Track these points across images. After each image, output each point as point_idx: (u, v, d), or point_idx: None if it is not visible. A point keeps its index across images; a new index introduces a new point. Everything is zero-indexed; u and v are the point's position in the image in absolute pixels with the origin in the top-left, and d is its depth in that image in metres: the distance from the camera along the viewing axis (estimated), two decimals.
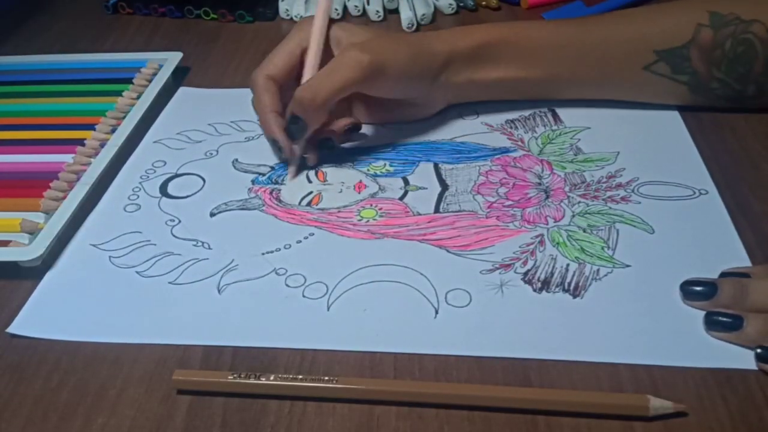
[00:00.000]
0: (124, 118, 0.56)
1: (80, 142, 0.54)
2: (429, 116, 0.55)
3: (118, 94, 0.59)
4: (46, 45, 0.71)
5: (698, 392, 0.35)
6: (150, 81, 0.61)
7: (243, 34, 0.71)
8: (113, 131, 0.55)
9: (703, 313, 0.38)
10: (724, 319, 0.37)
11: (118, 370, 0.38)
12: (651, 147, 0.51)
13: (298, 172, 0.51)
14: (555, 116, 0.55)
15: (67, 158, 0.52)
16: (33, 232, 0.46)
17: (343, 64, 0.47)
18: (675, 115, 0.53)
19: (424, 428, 0.34)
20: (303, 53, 0.51)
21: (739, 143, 0.51)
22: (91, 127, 0.55)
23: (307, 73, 0.51)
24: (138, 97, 0.58)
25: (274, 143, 0.51)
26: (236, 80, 0.63)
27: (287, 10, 0.73)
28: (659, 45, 0.50)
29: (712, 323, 0.37)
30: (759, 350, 0.35)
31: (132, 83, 0.60)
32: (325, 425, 0.35)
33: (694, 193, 0.46)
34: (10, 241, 0.45)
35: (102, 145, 0.53)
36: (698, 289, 0.39)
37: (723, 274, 0.40)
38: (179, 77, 0.63)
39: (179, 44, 0.68)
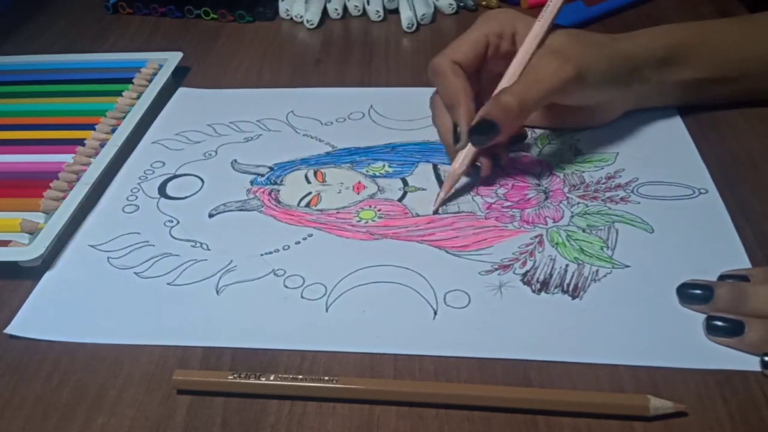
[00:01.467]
0: (124, 118, 0.56)
1: (80, 142, 0.53)
2: (605, 123, 0.52)
3: (118, 94, 0.59)
4: (46, 45, 0.70)
5: (698, 392, 0.35)
6: (150, 81, 0.60)
7: (243, 34, 0.71)
8: (113, 131, 0.54)
9: (703, 314, 0.38)
10: (725, 324, 0.36)
11: (118, 370, 0.38)
12: (650, 147, 0.50)
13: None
14: None
15: (67, 158, 0.52)
16: (33, 232, 0.45)
17: (548, 73, 0.45)
18: (674, 115, 0.53)
19: (424, 428, 0.34)
20: (488, 45, 0.48)
21: (739, 143, 0.50)
22: (91, 127, 0.55)
23: (511, 74, 0.47)
24: (138, 97, 0.58)
25: (454, 131, 0.46)
26: (236, 80, 0.63)
27: (287, 10, 0.73)
28: None
29: (712, 328, 0.37)
30: (766, 357, 0.35)
31: (132, 83, 0.60)
32: (325, 425, 0.34)
33: (694, 192, 0.46)
34: (10, 241, 0.45)
35: (102, 145, 0.53)
36: (695, 292, 0.38)
37: (722, 277, 0.39)
38: (179, 77, 0.63)
39: (179, 44, 0.68)
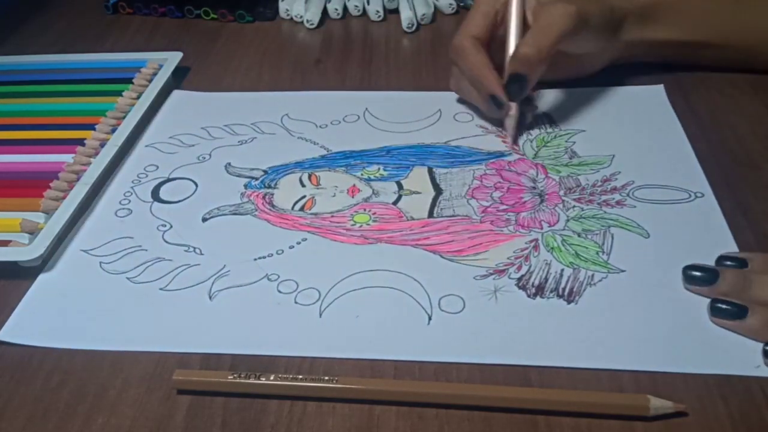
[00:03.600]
0: (124, 118, 0.56)
1: (80, 142, 0.53)
2: (590, 74, 0.56)
3: (118, 94, 0.59)
4: (46, 45, 0.70)
5: (698, 392, 0.34)
6: (150, 81, 0.60)
7: (243, 34, 0.71)
8: (113, 131, 0.54)
9: (699, 317, 0.38)
10: (729, 307, 0.37)
11: (118, 369, 0.38)
12: (647, 149, 0.50)
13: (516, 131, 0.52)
14: (550, 119, 0.54)
15: (67, 158, 0.51)
16: (33, 232, 0.45)
17: (556, 18, 0.49)
18: (672, 117, 0.53)
19: (424, 428, 0.34)
20: (497, 13, 0.52)
21: (739, 143, 0.50)
22: (91, 127, 0.55)
23: (513, 35, 0.51)
24: (138, 97, 0.58)
25: (493, 101, 0.51)
26: (236, 80, 0.63)
27: (287, 10, 0.72)
28: None
29: (716, 310, 0.37)
30: (767, 347, 0.35)
31: (132, 83, 0.60)
32: (325, 425, 0.34)
33: (690, 196, 0.46)
34: (10, 241, 0.44)
35: (102, 145, 0.53)
36: (699, 274, 0.39)
37: (720, 258, 0.40)
38: (179, 77, 0.63)
39: (179, 44, 0.68)
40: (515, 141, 0.51)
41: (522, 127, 0.53)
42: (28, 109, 0.59)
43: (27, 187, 0.49)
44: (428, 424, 0.34)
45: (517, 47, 0.49)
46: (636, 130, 0.52)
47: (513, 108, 0.51)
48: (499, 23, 0.52)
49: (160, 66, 0.62)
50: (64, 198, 0.48)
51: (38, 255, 0.43)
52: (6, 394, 0.37)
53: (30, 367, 0.38)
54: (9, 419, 0.36)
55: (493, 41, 0.52)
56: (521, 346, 0.37)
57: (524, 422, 0.34)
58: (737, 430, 0.33)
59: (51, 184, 0.49)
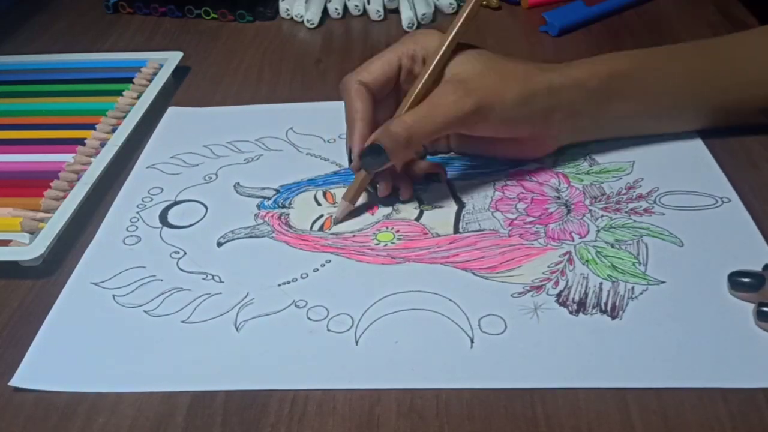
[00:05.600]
0: (124, 117, 0.53)
1: (81, 141, 0.50)
2: (540, 156, 0.47)
3: (119, 93, 0.55)
4: (46, 45, 0.67)
5: (698, 392, 0.32)
6: (150, 80, 0.58)
7: (243, 34, 0.68)
8: (114, 131, 0.52)
9: (748, 327, 0.35)
10: None
11: None
12: (666, 155, 0.46)
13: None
14: None
15: (68, 158, 0.49)
16: (33, 231, 0.45)
17: (445, 105, 0.41)
18: None
19: (424, 428, 0.32)
20: (400, 67, 0.45)
21: (739, 143, 0.48)
22: (91, 126, 0.52)
23: (407, 98, 0.44)
24: (138, 97, 0.55)
25: (348, 155, 0.44)
26: (236, 80, 0.60)
27: (287, 9, 0.69)
28: None
29: (763, 314, 0.35)
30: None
31: (132, 83, 0.57)
32: (325, 425, 0.32)
33: (717, 201, 0.42)
34: (10, 241, 0.43)
35: (102, 145, 0.50)
36: (746, 280, 0.36)
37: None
38: (179, 77, 0.61)
39: (179, 44, 0.66)
40: (336, 221, 0.44)
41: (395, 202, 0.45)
42: (28, 109, 0.56)
43: (27, 186, 0.47)
44: (428, 424, 0.32)
45: (392, 120, 0.42)
46: (652, 135, 0.48)
47: (360, 177, 0.43)
48: (405, 77, 0.45)
49: (161, 66, 0.60)
50: (64, 198, 0.46)
51: (39, 254, 0.41)
52: (6, 395, 0.35)
53: None
54: (9, 419, 0.34)
55: (401, 93, 0.45)
56: (572, 367, 0.34)
57: (524, 422, 0.33)
58: (737, 430, 0.32)
59: (51, 184, 0.47)
